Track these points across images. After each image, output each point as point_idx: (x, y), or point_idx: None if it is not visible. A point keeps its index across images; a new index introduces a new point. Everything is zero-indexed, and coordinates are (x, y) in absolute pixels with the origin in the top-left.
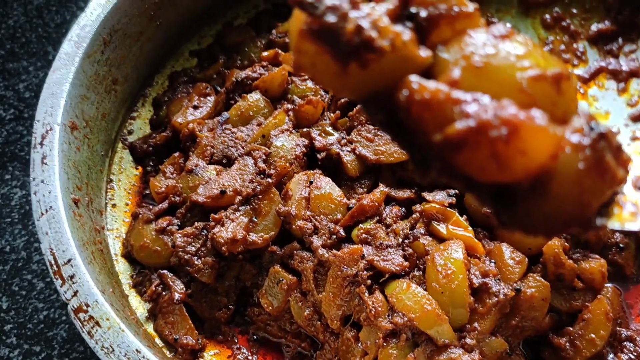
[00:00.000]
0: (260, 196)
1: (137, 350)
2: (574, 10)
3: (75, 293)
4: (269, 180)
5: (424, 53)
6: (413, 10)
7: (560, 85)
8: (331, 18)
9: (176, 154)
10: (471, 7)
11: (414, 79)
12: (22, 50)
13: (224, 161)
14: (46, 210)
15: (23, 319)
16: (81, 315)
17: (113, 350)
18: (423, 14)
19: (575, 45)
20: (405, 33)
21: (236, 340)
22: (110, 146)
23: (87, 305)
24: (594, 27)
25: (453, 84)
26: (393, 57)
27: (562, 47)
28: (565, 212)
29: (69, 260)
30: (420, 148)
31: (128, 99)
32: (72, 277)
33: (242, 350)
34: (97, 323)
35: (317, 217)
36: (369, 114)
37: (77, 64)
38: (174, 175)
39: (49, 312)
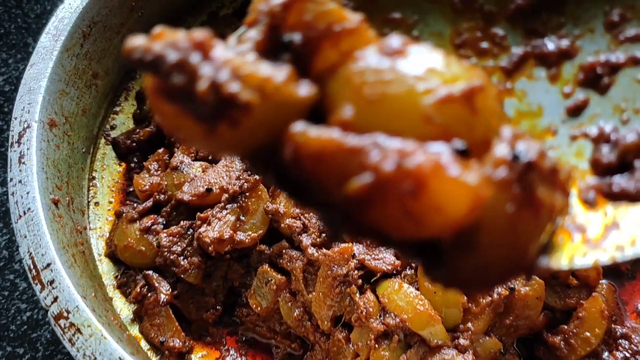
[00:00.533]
0: (247, 194)
1: (120, 358)
2: None
3: (56, 299)
4: (257, 177)
5: (305, 90)
6: (286, 37)
7: (474, 101)
8: (178, 79)
9: (160, 150)
10: (354, 20)
11: (298, 128)
12: (0, 42)
13: (210, 157)
14: (24, 212)
15: (5, 320)
16: (62, 322)
17: (95, 358)
18: (297, 39)
19: (493, 30)
20: (276, 74)
21: (225, 342)
22: (92, 143)
23: (68, 312)
24: (512, 4)
25: (346, 126)
26: (266, 106)
27: (479, 34)
28: (500, 263)
29: (49, 265)
30: (322, 206)
31: (110, 93)
32: (51, 282)
33: (231, 352)
34: (79, 330)
35: (306, 215)
36: (257, 173)
37: (55, 58)
38: (159, 172)
39: (32, 313)
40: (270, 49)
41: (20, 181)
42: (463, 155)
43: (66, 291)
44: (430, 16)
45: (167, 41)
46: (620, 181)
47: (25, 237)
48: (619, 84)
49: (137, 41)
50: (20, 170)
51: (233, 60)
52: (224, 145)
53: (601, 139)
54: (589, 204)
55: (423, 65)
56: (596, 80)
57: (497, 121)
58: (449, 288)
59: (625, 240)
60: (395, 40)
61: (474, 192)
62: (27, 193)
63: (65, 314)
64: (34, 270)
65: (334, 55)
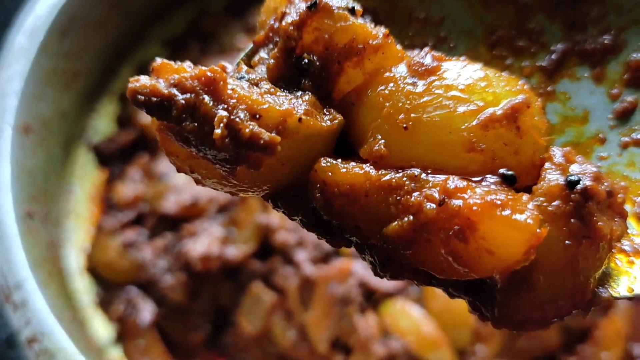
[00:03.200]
0: (238, 205)
1: None
2: None
3: (28, 322)
4: None
5: (330, 121)
6: (305, 60)
7: (519, 121)
8: (190, 123)
9: (144, 157)
10: (379, 35)
11: (325, 164)
12: None
13: None
14: None
15: None
16: (35, 345)
17: None
18: (315, 62)
19: (529, 25)
20: (297, 106)
21: None
22: (71, 148)
23: (42, 334)
24: None
25: (378, 159)
26: (289, 144)
27: (514, 31)
28: (558, 300)
29: (21, 284)
30: (361, 246)
31: (91, 93)
32: (24, 302)
33: None
34: (53, 355)
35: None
36: (287, 215)
37: (32, 59)
38: (142, 181)
39: (12, 333)
40: (287, 73)
41: None
42: (512, 184)
43: (39, 313)
44: (457, 12)
45: (173, 79)
46: None
47: None
48: None
49: (140, 81)
50: None
51: (248, 95)
52: (245, 187)
53: None
54: None
55: (460, 84)
56: None
57: (545, 139)
58: (500, 328)
59: None
60: (426, 57)
61: (529, 232)
62: (0, 206)
63: (39, 337)
64: (5, 289)
65: (359, 77)
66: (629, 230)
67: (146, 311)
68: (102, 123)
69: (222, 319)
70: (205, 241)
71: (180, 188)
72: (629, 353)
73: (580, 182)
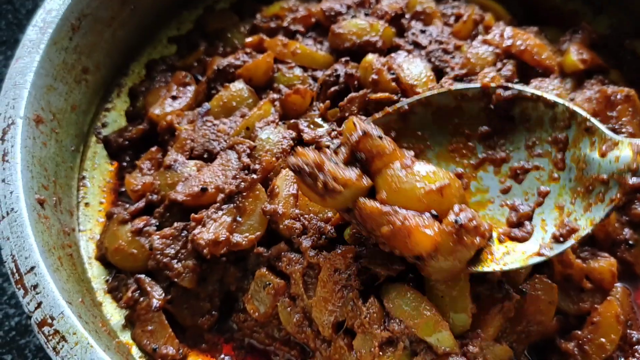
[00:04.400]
0: (244, 194)
1: None
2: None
3: (39, 304)
4: (254, 176)
5: (366, 181)
6: (358, 155)
7: (443, 192)
8: (308, 180)
9: (154, 149)
10: (390, 148)
11: (361, 200)
12: None
13: (205, 156)
14: (7, 213)
15: None
16: (46, 329)
17: None
18: (363, 156)
19: (469, 143)
20: (352, 175)
21: (221, 349)
22: (82, 141)
23: (52, 318)
24: (480, 129)
25: (382, 202)
26: (348, 191)
27: (461, 145)
28: (448, 266)
29: (32, 268)
30: (369, 234)
31: (101, 89)
32: (35, 286)
33: (226, 359)
34: (63, 338)
35: (306, 216)
36: (344, 217)
37: (42, 52)
38: (152, 171)
39: (21, 319)
40: (350, 159)
41: (3, 180)
42: (436, 218)
43: (51, 296)
44: (437, 133)
45: (303, 160)
46: (515, 231)
47: (8, 239)
48: (527, 179)
49: (293, 159)
50: (3, 169)
51: (333, 170)
52: (328, 204)
53: (513, 208)
54: (500, 241)
55: (420, 173)
56: (516, 176)
57: (456, 200)
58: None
59: (511, 259)
60: (408, 159)
61: (434, 239)
62: (11, 193)
63: (49, 321)
64: (17, 274)
65: (380, 165)
66: (490, 242)
67: (155, 297)
68: (112, 117)
69: (229, 304)
70: (212, 229)
71: (188, 178)
72: (628, 339)
73: (460, 220)
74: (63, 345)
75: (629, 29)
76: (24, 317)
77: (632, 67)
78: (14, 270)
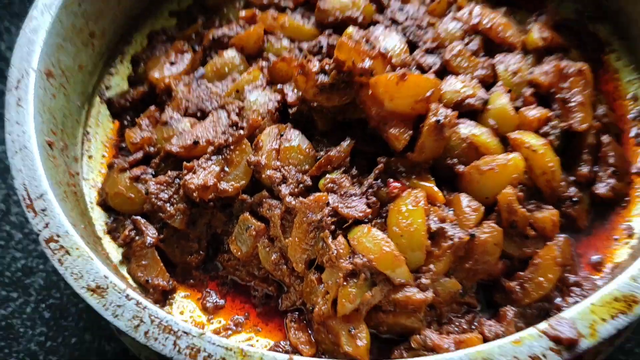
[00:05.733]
0: (232, 147)
1: (105, 276)
2: None
3: (47, 225)
4: (241, 132)
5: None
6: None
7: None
8: None
9: (152, 108)
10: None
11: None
12: (4, 10)
13: (199, 114)
14: (20, 149)
15: (1, 267)
16: (52, 244)
17: (82, 276)
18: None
19: None
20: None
21: (206, 285)
22: (87, 99)
23: (58, 236)
24: None
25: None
26: None
27: None
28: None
29: (41, 195)
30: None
31: (105, 54)
32: (43, 210)
33: (212, 294)
34: (67, 252)
35: (286, 167)
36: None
37: (53, 14)
38: (150, 127)
39: (26, 261)
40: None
41: (17, 122)
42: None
43: (57, 218)
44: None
45: None
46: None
47: (21, 171)
48: None
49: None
50: (17, 112)
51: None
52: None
53: None
54: None
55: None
56: None
57: None
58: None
59: None
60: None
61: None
62: (24, 132)
63: (55, 238)
64: (27, 200)
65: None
66: None
67: (149, 235)
68: (115, 81)
69: (215, 245)
70: (202, 176)
71: (182, 133)
72: (565, 281)
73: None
74: (67, 258)
75: (591, 13)
76: (30, 260)
77: (592, 47)
78: (25, 197)
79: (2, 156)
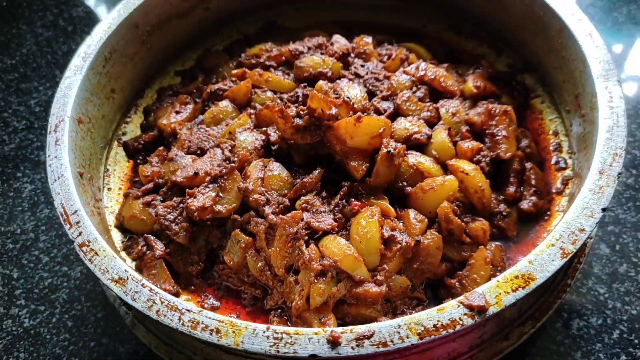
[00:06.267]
0: (225, 177)
1: (125, 270)
2: None
3: (80, 233)
4: (233, 165)
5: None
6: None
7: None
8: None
9: (160, 148)
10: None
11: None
12: (33, 73)
13: (198, 152)
14: (58, 177)
15: (30, 285)
16: (84, 248)
17: (108, 271)
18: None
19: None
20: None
21: (204, 290)
22: (107, 142)
23: (89, 242)
24: None
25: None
26: None
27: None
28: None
29: (76, 211)
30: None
31: (123, 106)
32: (77, 222)
33: (209, 297)
34: (96, 253)
35: (269, 192)
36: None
37: (84, 74)
38: (159, 164)
39: (52, 280)
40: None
41: (55, 157)
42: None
43: (88, 228)
44: None
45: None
46: None
47: (59, 193)
48: None
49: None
50: (56, 149)
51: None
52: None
53: None
54: None
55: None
56: None
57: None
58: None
59: None
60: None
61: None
62: (61, 164)
63: (87, 243)
64: (64, 215)
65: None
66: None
67: (158, 250)
68: (130, 128)
69: (212, 258)
70: (201, 199)
71: (185, 166)
72: (494, 276)
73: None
74: (96, 258)
75: (520, 66)
76: (55, 279)
77: (520, 93)
78: (63, 213)
79: (31, 194)
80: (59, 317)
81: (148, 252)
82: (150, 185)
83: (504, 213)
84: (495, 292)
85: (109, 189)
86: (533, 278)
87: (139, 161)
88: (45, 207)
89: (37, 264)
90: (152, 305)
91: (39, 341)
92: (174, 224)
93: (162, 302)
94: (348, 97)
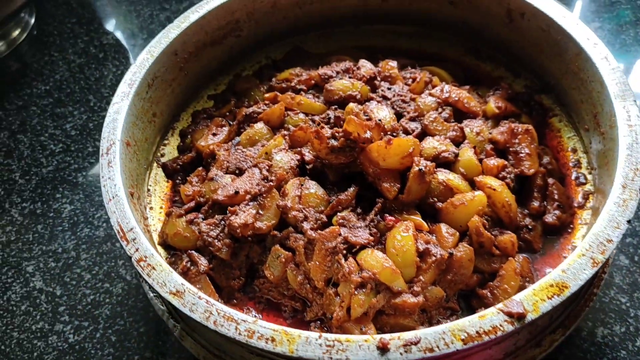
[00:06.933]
0: (264, 195)
1: (182, 283)
2: None
3: (137, 249)
4: (271, 183)
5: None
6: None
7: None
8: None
9: (200, 168)
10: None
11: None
12: (67, 98)
13: (237, 172)
14: (112, 197)
15: (74, 302)
16: (142, 263)
17: (165, 284)
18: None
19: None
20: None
21: (246, 303)
22: (149, 163)
23: (146, 257)
24: None
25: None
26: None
27: None
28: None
29: (131, 229)
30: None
31: (162, 129)
32: (134, 239)
33: (251, 310)
34: (153, 267)
35: (306, 209)
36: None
37: (130, 99)
38: (198, 184)
39: (95, 297)
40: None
41: (109, 177)
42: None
43: (144, 244)
44: None
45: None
46: None
47: (114, 212)
48: None
49: None
50: (108, 171)
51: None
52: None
53: None
54: None
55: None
56: None
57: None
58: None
59: None
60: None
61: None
62: (115, 185)
63: (144, 258)
64: (121, 232)
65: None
66: None
67: (202, 265)
68: (168, 150)
69: (253, 272)
70: (243, 216)
71: (225, 185)
72: (524, 287)
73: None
74: (153, 272)
75: (538, 87)
76: (97, 295)
77: (538, 113)
78: (119, 230)
79: (70, 215)
80: (102, 332)
81: (192, 267)
82: (192, 204)
83: (530, 226)
84: (532, 299)
85: (151, 208)
86: (567, 286)
87: (177, 181)
88: (85, 227)
89: (80, 281)
90: (209, 316)
91: (84, 356)
92: (216, 240)
93: (218, 313)
94: (380, 120)
